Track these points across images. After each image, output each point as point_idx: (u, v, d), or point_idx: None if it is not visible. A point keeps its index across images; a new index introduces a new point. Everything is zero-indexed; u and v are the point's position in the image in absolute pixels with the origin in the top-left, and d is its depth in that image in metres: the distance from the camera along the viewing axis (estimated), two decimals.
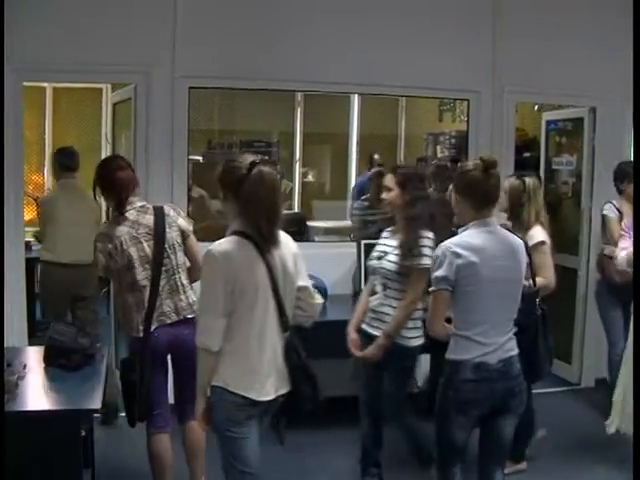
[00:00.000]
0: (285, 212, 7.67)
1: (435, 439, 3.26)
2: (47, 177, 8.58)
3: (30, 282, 4.89)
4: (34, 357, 3.73)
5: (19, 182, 5.05)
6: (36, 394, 3.32)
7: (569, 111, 6.51)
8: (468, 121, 5.97)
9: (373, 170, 6.94)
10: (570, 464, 4.53)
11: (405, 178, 3.90)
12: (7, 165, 4.73)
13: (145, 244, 3.66)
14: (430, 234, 3.83)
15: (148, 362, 3.61)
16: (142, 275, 3.64)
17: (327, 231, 7.64)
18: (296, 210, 8.73)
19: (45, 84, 8.23)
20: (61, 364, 3.56)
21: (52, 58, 4.88)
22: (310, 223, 7.74)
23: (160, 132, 5.13)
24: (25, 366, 3.51)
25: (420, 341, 3.92)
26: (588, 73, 5.82)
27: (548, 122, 6.79)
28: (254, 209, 2.85)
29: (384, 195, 3.93)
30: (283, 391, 3.01)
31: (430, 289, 3.12)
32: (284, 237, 3.03)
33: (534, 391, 4.29)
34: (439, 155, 9.25)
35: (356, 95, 8.34)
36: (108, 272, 3.75)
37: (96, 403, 3.17)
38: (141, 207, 3.73)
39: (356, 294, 5.27)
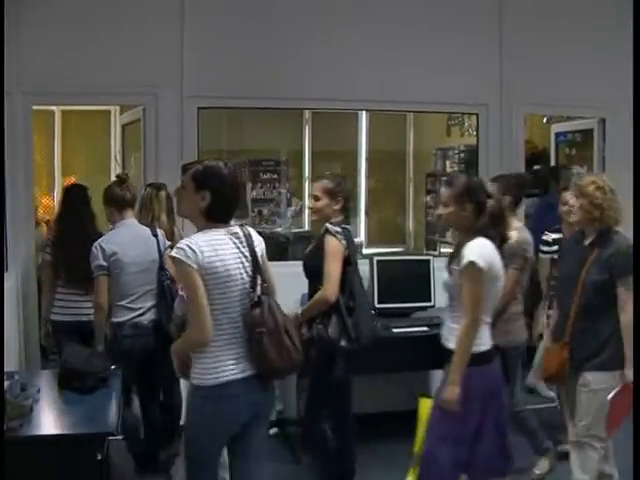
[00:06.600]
0: (296, 230, 7.64)
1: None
2: (57, 200, 8.59)
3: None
4: (48, 381, 3.72)
5: (30, 205, 5.09)
6: (51, 418, 3.31)
7: (578, 122, 6.51)
8: (477, 135, 5.95)
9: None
10: None
11: None
12: (18, 188, 4.79)
13: None
14: None
15: None
16: None
17: None
18: (306, 228, 8.70)
19: (54, 107, 8.26)
20: (75, 387, 3.54)
21: (60, 81, 4.92)
22: None
23: (169, 153, 5.14)
24: (39, 390, 3.49)
25: None
26: (597, 84, 5.80)
27: (557, 134, 6.79)
28: None
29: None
30: None
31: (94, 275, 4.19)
32: None
33: None
34: (448, 170, 9.21)
35: (364, 112, 8.33)
36: None
37: (111, 426, 3.14)
38: None
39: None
